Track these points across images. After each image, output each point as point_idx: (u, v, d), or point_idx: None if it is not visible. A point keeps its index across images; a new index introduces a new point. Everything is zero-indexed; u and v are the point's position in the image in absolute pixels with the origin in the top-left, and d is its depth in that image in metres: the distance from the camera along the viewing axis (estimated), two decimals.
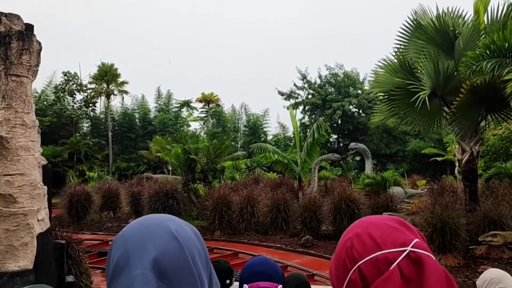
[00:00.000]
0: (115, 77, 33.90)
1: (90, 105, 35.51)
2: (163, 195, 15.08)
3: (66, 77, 34.32)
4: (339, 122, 33.28)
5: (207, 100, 37.22)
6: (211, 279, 0.89)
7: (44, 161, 5.34)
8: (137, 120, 37.46)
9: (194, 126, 40.57)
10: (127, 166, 34.42)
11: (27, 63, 4.98)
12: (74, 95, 35.14)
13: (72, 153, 32.91)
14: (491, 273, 2.41)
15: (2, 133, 4.76)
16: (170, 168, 27.16)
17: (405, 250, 0.80)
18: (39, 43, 5.20)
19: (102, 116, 36.74)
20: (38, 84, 45.63)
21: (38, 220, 4.93)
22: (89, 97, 34.61)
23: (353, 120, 33.08)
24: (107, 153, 34.40)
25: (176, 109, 38.34)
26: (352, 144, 23.64)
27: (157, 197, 15.08)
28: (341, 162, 29.25)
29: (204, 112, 38.66)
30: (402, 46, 11.10)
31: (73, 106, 35.38)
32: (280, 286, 1.85)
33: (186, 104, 37.90)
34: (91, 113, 36.59)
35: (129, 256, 0.80)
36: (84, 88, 34.78)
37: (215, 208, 14.03)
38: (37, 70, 5.19)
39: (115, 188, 18.49)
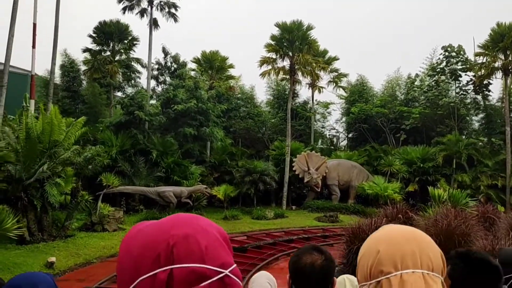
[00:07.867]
0: None
1: (480, 89, 24.99)
2: None
3: (447, 53, 25.47)
4: None
5: None
6: None
7: None
8: None
9: None
10: None
11: None
12: (458, 77, 25.70)
13: (450, 157, 23.65)
14: None
15: None
16: None
17: (222, 272, 0.78)
18: None
19: (499, 104, 25.38)
20: (413, 69, 38.55)
21: None
22: (477, 76, 24.23)
23: None
24: (503, 159, 22.88)
25: None
26: None
27: None
28: None
29: None
30: None
31: (456, 91, 26.00)
32: None
33: None
34: (483, 101, 25.93)
35: None
36: (471, 65, 24.70)
37: None
38: None
39: (461, 231, 8.58)
